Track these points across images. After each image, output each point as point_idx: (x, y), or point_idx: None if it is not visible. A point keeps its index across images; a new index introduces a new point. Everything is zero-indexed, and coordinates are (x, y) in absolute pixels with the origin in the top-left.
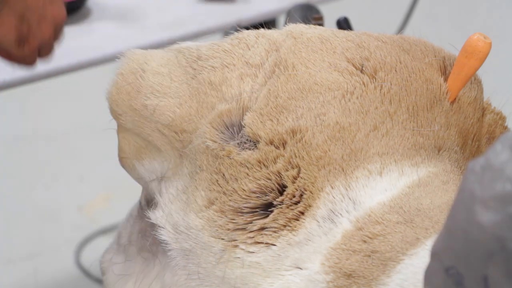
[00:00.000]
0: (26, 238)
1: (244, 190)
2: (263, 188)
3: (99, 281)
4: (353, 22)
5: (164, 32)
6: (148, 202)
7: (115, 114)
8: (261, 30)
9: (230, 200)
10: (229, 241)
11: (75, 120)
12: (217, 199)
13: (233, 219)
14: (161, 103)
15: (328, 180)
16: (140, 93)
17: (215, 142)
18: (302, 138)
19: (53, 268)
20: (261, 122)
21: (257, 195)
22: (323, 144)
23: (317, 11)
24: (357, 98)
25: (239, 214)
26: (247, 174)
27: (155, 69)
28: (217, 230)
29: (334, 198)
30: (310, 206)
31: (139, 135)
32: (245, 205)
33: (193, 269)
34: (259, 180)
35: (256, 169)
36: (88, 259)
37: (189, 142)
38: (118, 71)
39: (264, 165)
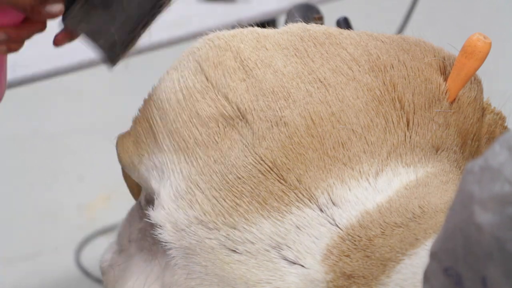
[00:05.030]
0: (26, 238)
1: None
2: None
3: (99, 281)
4: (353, 22)
5: (164, 32)
6: (148, 202)
7: None
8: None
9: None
10: (228, 224)
11: (75, 120)
12: (220, 193)
13: (231, 201)
14: None
15: (323, 177)
16: None
17: None
18: (288, 131)
19: (53, 268)
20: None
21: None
22: (316, 141)
23: (317, 11)
24: (352, 97)
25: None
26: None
27: None
28: (216, 219)
29: (329, 196)
30: (298, 196)
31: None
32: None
33: (193, 268)
34: None
35: None
36: (88, 259)
37: None
38: None
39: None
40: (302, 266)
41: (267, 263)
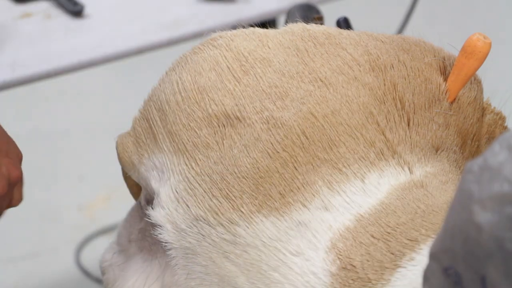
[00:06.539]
0: (26, 238)
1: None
2: None
3: (99, 281)
4: (353, 22)
5: (164, 32)
6: (148, 202)
7: None
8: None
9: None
10: (228, 223)
11: (75, 120)
12: (220, 193)
13: (231, 201)
14: None
15: (319, 177)
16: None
17: None
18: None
19: (53, 268)
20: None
21: None
22: (317, 140)
23: (317, 11)
24: (354, 96)
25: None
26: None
27: None
28: (217, 215)
29: (328, 195)
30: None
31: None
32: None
33: (193, 268)
34: None
35: None
36: (88, 259)
37: None
38: None
39: None
40: (305, 259)
41: (269, 261)
